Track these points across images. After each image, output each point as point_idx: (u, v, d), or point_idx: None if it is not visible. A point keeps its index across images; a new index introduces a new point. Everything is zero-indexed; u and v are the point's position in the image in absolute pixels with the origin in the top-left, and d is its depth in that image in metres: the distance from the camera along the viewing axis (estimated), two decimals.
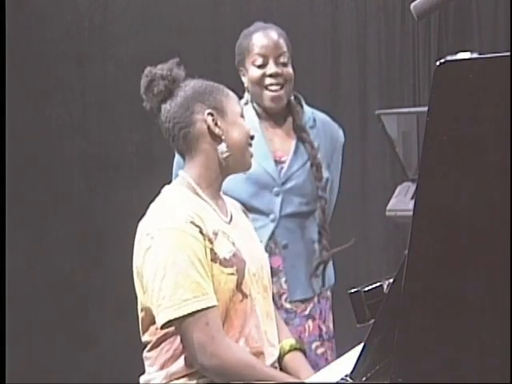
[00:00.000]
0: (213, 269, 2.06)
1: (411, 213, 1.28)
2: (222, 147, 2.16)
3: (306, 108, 2.85)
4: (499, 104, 1.23)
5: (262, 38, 2.75)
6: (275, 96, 2.74)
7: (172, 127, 2.17)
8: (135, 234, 2.14)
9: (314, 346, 2.78)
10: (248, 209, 2.64)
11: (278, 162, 2.76)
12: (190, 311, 1.99)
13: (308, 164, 2.77)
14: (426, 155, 1.29)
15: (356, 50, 4.31)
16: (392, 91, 4.29)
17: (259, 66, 2.73)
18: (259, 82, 2.73)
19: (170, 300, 2.00)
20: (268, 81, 2.73)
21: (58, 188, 4.19)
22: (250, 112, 2.76)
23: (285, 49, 2.75)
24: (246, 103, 2.80)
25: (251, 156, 2.24)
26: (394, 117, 3.31)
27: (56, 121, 4.21)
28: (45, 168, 4.16)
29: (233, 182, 2.62)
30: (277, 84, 2.73)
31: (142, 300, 2.11)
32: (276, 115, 2.79)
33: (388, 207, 3.26)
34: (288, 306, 2.74)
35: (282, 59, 2.74)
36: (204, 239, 2.05)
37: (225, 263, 2.07)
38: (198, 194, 2.15)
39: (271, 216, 2.73)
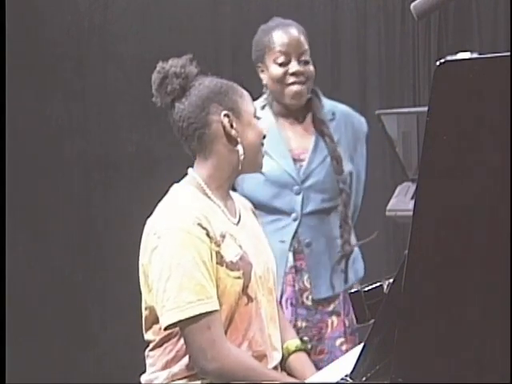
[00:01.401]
0: (219, 272, 2.04)
1: (411, 213, 1.28)
2: (240, 149, 2.13)
3: (325, 101, 2.83)
4: (499, 104, 1.23)
5: (284, 35, 2.71)
6: (297, 92, 2.71)
7: (186, 127, 2.12)
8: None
9: (338, 342, 2.76)
10: (270, 209, 2.64)
11: (296, 161, 2.74)
12: (193, 314, 1.98)
13: (328, 159, 2.73)
14: (425, 155, 1.29)
15: (356, 50, 4.31)
16: (392, 91, 4.29)
17: (281, 64, 2.70)
18: (281, 80, 2.70)
19: (175, 302, 1.98)
20: (290, 79, 2.70)
21: (58, 188, 4.19)
22: (266, 112, 2.75)
23: (306, 46, 2.73)
24: (263, 107, 2.77)
25: (263, 156, 2.21)
26: (394, 117, 3.31)
27: (56, 121, 4.20)
28: (45, 168, 4.15)
29: (253, 183, 2.62)
30: (299, 82, 2.71)
31: (147, 298, 2.09)
32: (295, 112, 2.76)
33: (388, 207, 3.25)
34: (309, 303, 2.72)
35: (304, 57, 2.72)
36: (210, 242, 2.03)
37: (231, 266, 2.05)
38: (206, 195, 2.13)
39: (293, 215, 2.71)
